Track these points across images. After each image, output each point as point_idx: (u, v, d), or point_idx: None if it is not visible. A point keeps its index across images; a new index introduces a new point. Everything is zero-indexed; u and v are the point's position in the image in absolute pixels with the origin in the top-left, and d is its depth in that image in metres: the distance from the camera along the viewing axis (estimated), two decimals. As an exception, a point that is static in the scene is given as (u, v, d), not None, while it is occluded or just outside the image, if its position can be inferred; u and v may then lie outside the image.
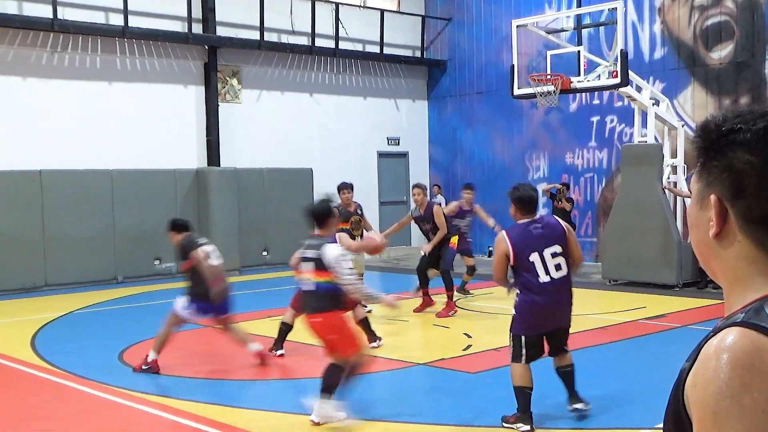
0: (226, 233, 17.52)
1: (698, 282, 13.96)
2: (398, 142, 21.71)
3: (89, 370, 8.93)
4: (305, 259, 6.80)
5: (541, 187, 18.71)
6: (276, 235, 18.61)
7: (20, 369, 9.14)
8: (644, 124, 15.00)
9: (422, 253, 12.09)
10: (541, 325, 6.61)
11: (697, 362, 1.28)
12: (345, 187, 11.90)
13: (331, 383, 6.65)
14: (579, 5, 15.33)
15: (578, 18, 15.89)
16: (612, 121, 18.21)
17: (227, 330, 9.05)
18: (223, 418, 7.17)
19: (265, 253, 18.63)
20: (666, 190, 14.57)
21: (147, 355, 8.74)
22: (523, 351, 6.53)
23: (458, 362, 9.04)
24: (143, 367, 8.68)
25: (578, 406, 6.77)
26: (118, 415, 7.46)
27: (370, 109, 21.05)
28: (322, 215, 6.88)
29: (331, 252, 6.62)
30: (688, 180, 15.26)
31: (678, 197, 14.98)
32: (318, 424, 6.68)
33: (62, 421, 7.28)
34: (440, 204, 14.48)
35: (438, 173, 21.99)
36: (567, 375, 6.80)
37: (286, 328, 9.34)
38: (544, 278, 6.51)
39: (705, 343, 1.29)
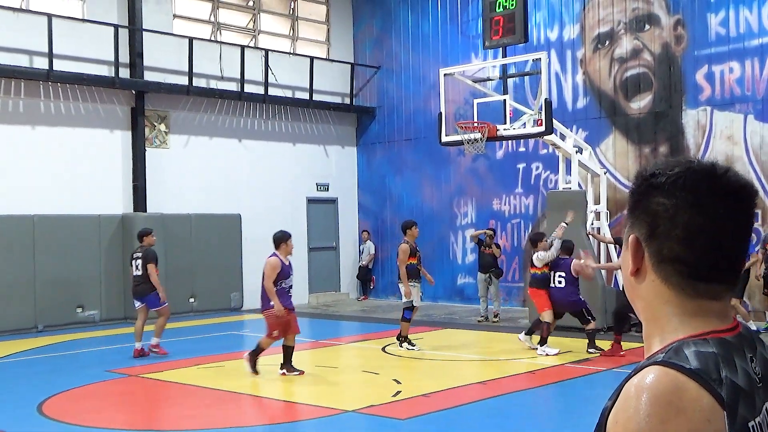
0: (151, 280, 17.18)
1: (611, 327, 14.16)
2: (327, 188, 21.73)
3: (6, 424, 8.61)
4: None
5: (469, 234, 18.93)
6: (203, 282, 18.33)
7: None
8: (568, 171, 15.36)
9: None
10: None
11: (619, 400, 1.32)
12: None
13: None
14: (504, 55, 15.64)
15: (504, 68, 16.22)
16: (537, 168, 18.58)
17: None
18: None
19: (192, 300, 18.32)
20: (590, 236, 14.88)
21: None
22: None
23: (387, 409, 9.00)
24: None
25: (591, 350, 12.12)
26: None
27: (300, 155, 21.05)
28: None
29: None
30: (611, 226, 15.65)
31: (602, 243, 15.31)
32: None
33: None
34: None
35: (367, 219, 22.06)
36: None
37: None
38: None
39: (626, 381, 1.33)
